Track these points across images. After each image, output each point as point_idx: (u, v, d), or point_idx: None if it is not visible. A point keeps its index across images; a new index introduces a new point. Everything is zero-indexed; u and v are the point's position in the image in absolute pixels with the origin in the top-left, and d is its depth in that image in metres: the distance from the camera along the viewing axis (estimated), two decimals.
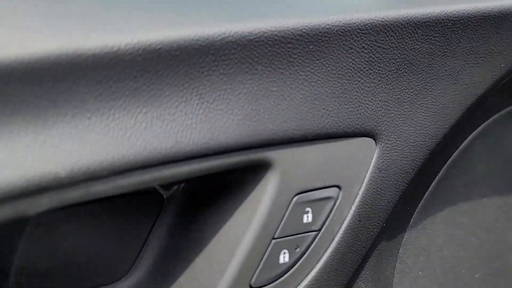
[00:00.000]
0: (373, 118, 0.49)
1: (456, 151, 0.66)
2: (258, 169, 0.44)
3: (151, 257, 0.49)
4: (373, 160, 0.51)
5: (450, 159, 0.66)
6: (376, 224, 0.56)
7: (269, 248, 0.46)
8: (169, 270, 0.48)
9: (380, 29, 0.46)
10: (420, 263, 0.68)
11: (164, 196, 0.49)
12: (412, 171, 0.57)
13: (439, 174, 0.66)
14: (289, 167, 0.45)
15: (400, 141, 0.54)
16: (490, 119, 0.66)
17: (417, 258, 0.68)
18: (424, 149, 0.57)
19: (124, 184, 0.38)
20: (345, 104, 0.47)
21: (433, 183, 0.65)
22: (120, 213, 0.48)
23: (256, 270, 0.46)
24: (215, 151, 0.40)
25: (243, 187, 0.46)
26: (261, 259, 0.46)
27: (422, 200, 0.65)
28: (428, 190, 0.65)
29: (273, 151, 0.44)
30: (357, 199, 0.51)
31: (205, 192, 0.49)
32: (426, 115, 0.55)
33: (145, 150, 0.37)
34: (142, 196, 0.48)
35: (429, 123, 0.56)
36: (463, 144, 0.66)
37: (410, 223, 0.66)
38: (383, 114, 0.50)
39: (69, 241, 0.47)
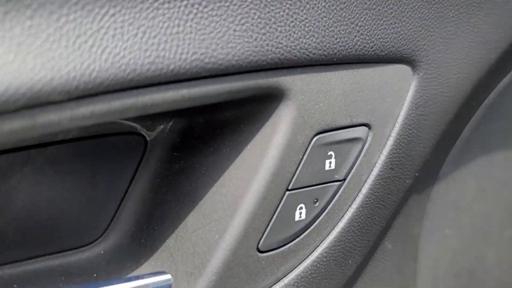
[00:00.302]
0: (411, 39, 0.43)
1: (494, 91, 0.59)
2: (267, 101, 0.38)
3: (131, 214, 0.43)
4: (410, 94, 0.45)
5: (486, 100, 0.59)
6: (409, 173, 0.47)
7: (282, 202, 0.39)
8: (155, 231, 0.42)
9: None
10: (448, 220, 0.63)
11: (147, 138, 0.42)
12: (451, 111, 0.50)
13: (473, 118, 0.58)
14: (308, 98, 0.39)
15: (441, 71, 0.47)
16: None
17: (446, 214, 0.63)
18: (467, 84, 0.50)
19: (83, 114, 0.29)
20: (378, 19, 0.41)
21: (466, 128, 0.58)
22: (92, 159, 0.42)
23: (265, 231, 0.39)
24: (210, 72, 0.33)
25: (248, 124, 0.39)
26: (272, 217, 0.39)
27: (453, 148, 0.58)
28: (460, 136, 0.58)
29: (287, 76, 0.37)
30: (390, 142, 0.45)
31: (198, 132, 0.42)
32: (471, 41, 0.48)
33: (113, 66, 0.29)
34: (119, 138, 0.42)
35: (474, 52, 0.49)
36: (502, 83, 0.59)
37: (440, 174, 0.60)
38: (423, 35, 0.44)
39: (28, 194, 0.40)
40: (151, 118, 0.41)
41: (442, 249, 0.64)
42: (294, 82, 0.37)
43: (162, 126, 0.42)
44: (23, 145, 0.37)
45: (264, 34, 0.35)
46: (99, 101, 0.30)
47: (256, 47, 0.34)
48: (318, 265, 0.43)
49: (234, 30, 0.33)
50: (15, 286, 0.39)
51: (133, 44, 0.30)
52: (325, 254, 0.43)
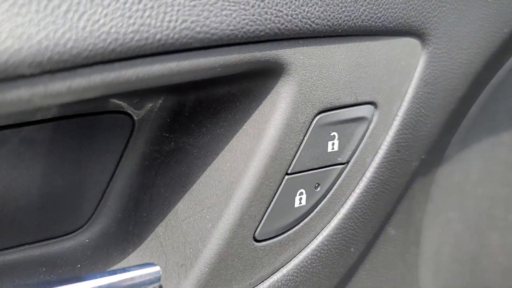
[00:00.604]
0: (421, 10, 0.40)
1: (502, 68, 0.56)
2: (265, 76, 0.35)
3: (118, 199, 0.40)
4: (419, 70, 0.42)
5: (494, 78, 0.56)
6: (415, 155, 0.45)
7: (281, 188, 0.37)
8: (143, 217, 0.39)
9: None
10: (452, 203, 0.61)
11: (135, 118, 0.40)
12: (461, 88, 0.48)
13: (481, 96, 0.56)
14: (310, 73, 0.36)
15: (452, 45, 0.44)
16: None
17: (450, 197, 0.61)
18: (478, 60, 0.47)
19: (58, 90, 0.26)
20: None
21: (473, 107, 0.55)
22: (75, 141, 0.39)
23: (262, 218, 0.36)
24: (202, 42, 0.30)
25: (244, 102, 0.36)
26: (270, 203, 0.36)
27: (459, 128, 0.56)
28: (467, 116, 0.56)
29: (287, 49, 0.34)
30: (396, 122, 0.42)
31: (190, 110, 0.39)
32: (485, 13, 0.45)
33: (91, 35, 0.26)
34: (104, 117, 0.39)
35: (487, 25, 0.46)
36: (511, 60, 0.56)
37: (445, 155, 0.57)
38: (434, 6, 0.41)
39: (4, 178, 0.37)
40: (138, 95, 0.38)
41: (445, 233, 0.62)
42: (295, 56, 0.34)
43: (150, 105, 0.40)
44: None
45: (262, 1, 0.31)
46: (77, 75, 0.26)
47: (253, 15, 0.31)
48: (318, 254, 0.40)
49: None
50: None
51: (115, 10, 0.27)
52: (326, 242, 0.40)
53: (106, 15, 0.26)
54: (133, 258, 0.37)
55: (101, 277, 0.33)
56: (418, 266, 0.58)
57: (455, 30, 0.43)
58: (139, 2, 0.27)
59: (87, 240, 0.40)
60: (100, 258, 0.38)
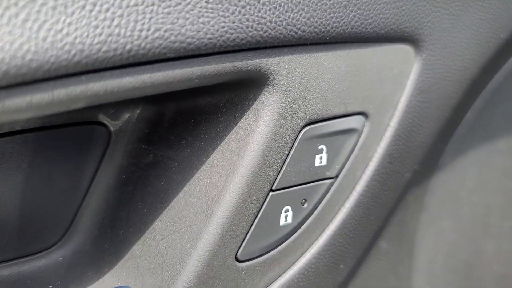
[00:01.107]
0: (414, 15, 0.39)
1: (498, 73, 0.55)
2: (248, 86, 0.33)
3: (94, 215, 0.38)
4: (412, 78, 0.41)
5: (489, 84, 0.55)
6: (408, 166, 0.43)
7: (265, 205, 0.35)
8: (119, 235, 0.37)
9: None
10: (447, 212, 0.59)
11: (111, 129, 0.38)
12: (456, 96, 0.46)
13: (475, 103, 0.54)
14: (296, 83, 0.34)
15: (447, 51, 0.43)
16: None
17: (444, 205, 0.60)
18: (473, 66, 0.46)
19: (17, 106, 0.23)
20: None
21: (468, 113, 0.54)
22: (48, 153, 0.37)
23: (245, 238, 0.35)
24: (177, 52, 0.28)
25: (226, 114, 0.35)
26: (253, 221, 0.35)
27: (454, 135, 0.55)
28: (462, 123, 0.55)
29: (271, 57, 0.32)
30: (388, 133, 0.41)
31: (169, 121, 0.37)
32: (480, 18, 0.44)
33: (53, 46, 0.24)
34: (79, 129, 0.37)
35: (483, 30, 0.45)
36: (508, 64, 0.55)
37: (439, 164, 0.56)
38: (428, 11, 0.39)
39: None
40: (114, 105, 0.36)
41: (439, 243, 0.61)
42: (280, 65, 0.32)
43: (128, 115, 0.38)
44: None
45: (243, 7, 0.29)
46: (38, 89, 0.24)
47: (233, 22, 0.29)
48: (305, 273, 0.38)
49: (206, 2, 0.28)
50: None
51: (80, 19, 0.24)
52: (313, 260, 0.38)
53: (69, 24, 0.24)
54: (108, 278, 0.35)
55: None
56: (411, 278, 0.57)
57: (450, 36, 0.41)
58: (107, 10, 0.25)
59: (61, 258, 0.37)
60: (74, 278, 0.36)
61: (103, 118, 0.37)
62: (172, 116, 0.36)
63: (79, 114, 0.36)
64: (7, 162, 0.35)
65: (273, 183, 0.34)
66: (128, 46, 0.25)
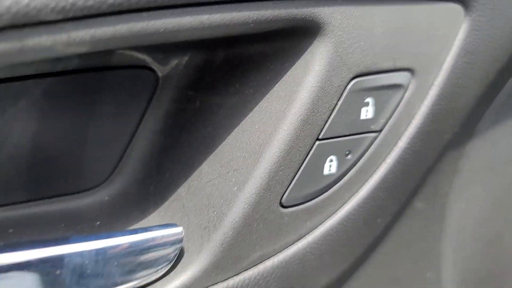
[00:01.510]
0: None
1: None
2: (300, 35, 0.33)
3: (140, 157, 0.39)
4: (459, 38, 0.40)
5: None
6: (449, 127, 0.43)
7: (311, 153, 0.35)
8: (165, 177, 0.38)
9: None
10: (480, 179, 0.59)
11: (159, 74, 0.38)
12: (501, 59, 0.45)
13: None
14: (347, 35, 0.34)
15: (497, 13, 0.41)
16: None
17: (477, 172, 0.58)
18: None
19: (81, 39, 0.24)
20: None
21: (510, 79, 0.53)
22: (97, 94, 0.37)
23: (290, 184, 0.35)
24: None
25: (276, 62, 0.34)
26: (298, 169, 0.35)
27: (493, 101, 0.54)
28: (503, 89, 0.53)
29: (325, 7, 0.32)
30: (433, 91, 0.40)
31: (218, 69, 0.37)
32: None
33: None
34: (128, 72, 0.37)
35: None
36: None
37: (477, 128, 0.55)
38: None
39: (24, 130, 0.36)
40: (164, 50, 0.36)
41: (470, 209, 0.60)
42: (333, 15, 0.32)
43: (176, 61, 0.38)
44: (15, 75, 0.32)
45: None
46: (102, 23, 0.25)
47: None
48: (345, 223, 0.38)
49: None
50: (11, 230, 0.35)
51: None
52: (353, 212, 0.38)
53: None
54: (153, 218, 0.36)
55: (121, 235, 0.32)
56: (440, 242, 0.57)
57: None
58: None
59: (107, 198, 0.39)
60: (119, 217, 0.37)
61: (152, 63, 0.38)
62: (220, 63, 0.37)
63: (129, 58, 0.36)
64: (59, 100, 0.36)
65: (320, 132, 0.34)
66: None
